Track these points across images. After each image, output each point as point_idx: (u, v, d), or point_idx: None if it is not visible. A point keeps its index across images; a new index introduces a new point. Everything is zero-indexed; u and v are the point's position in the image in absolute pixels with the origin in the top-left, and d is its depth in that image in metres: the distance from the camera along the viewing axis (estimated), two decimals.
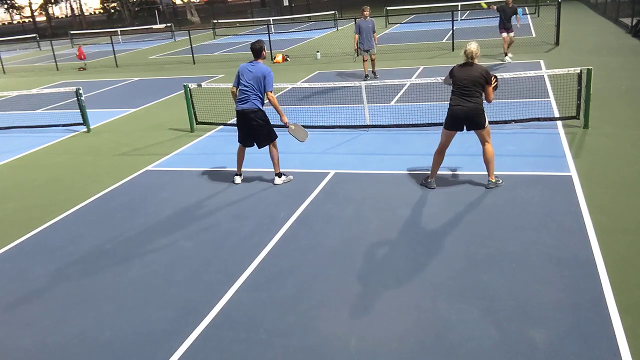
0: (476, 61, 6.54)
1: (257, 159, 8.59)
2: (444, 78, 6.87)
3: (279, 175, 7.48)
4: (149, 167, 8.72)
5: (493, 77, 6.53)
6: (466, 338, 4.06)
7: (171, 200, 7.27)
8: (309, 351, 4.09)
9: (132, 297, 5.04)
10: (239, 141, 7.52)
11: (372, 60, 13.85)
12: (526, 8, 27.54)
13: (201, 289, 5.05)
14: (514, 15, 14.62)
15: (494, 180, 6.72)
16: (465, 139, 8.58)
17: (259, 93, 7.11)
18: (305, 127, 9.91)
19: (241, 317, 4.58)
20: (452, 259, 5.17)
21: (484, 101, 6.54)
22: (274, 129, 7.44)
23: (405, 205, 6.43)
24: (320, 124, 9.94)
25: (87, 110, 11.53)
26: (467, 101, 6.45)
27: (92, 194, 7.75)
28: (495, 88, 6.56)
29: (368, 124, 9.68)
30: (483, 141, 6.68)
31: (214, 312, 4.67)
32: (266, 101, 7.22)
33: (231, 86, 7.43)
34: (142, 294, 5.08)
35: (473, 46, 6.54)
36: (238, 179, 7.66)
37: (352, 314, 4.49)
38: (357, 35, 13.47)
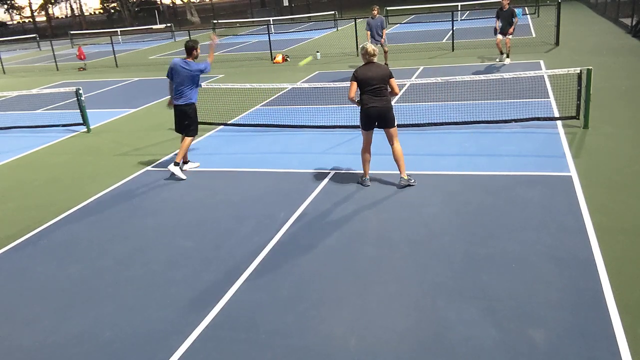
0: (375, 59, 6.71)
1: (258, 159, 8.60)
2: (348, 93, 6.78)
3: (177, 164, 7.99)
4: (149, 167, 8.72)
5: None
6: (466, 338, 4.06)
7: (171, 200, 7.27)
8: (308, 351, 4.09)
9: (132, 297, 5.04)
10: (175, 130, 8.38)
11: (385, 52, 14.97)
12: (526, 8, 27.57)
13: (201, 289, 5.05)
14: (513, 19, 14.43)
15: (406, 178, 6.89)
16: (464, 139, 8.59)
17: (194, 88, 7.96)
18: (305, 127, 9.95)
19: (241, 317, 4.58)
20: (452, 259, 5.17)
21: (393, 95, 6.79)
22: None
23: (405, 205, 6.43)
24: (320, 124, 9.94)
25: (87, 110, 11.54)
26: (380, 100, 6.66)
27: (92, 194, 7.75)
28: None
29: None
30: (392, 140, 6.86)
31: (214, 312, 4.67)
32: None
33: (166, 78, 8.15)
34: (142, 293, 5.08)
35: (371, 46, 6.69)
36: (184, 167, 8.33)
37: (351, 313, 4.49)
38: (368, 32, 14.53)
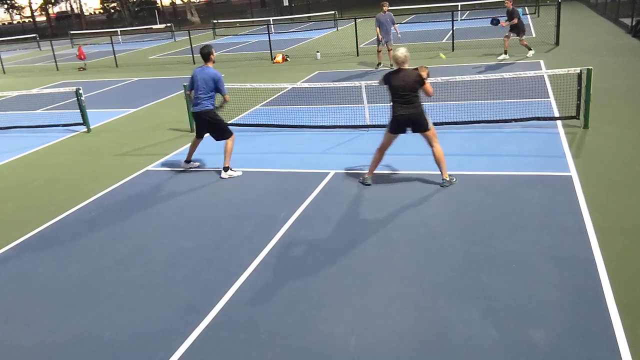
0: (406, 66, 6.68)
1: (258, 159, 8.60)
2: (378, 81, 6.94)
3: (226, 169, 7.90)
4: (149, 167, 8.72)
5: (424, 70, 6.73)
6: (466, 338, 4.06)
7: (171, 200, 7.27)
8: (308, 351, 4.09)
9: (132, 297, 5.04)
10: (196, 135, 8.29)
11: (389, 50, 14.99)
12: (526, 8, 27.56)
13: (201, 289, 5.05)
14: (511, 18, 14.63)
15: (447, 179, 6.86)
16: (464, 139, 8.59)
17: (210, 95, 7.80)
18: (305, 127, 9.95)
19: (241, 317, 4.58)
20: (452, 259, 5.17)
21: (426, 96, 6.74)
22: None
23: (405, 205, 6.43)
24: (320, 124, 9.94)
25: (87, 110, 11.53)
26: (408, 108, 6.64)
27: (92, 194, 7.75)
28: (427, 76, 6.79)
29: (368, 124, 9.68)
30: (430, 143, 6.85)
31: (214, 312, 4.67)
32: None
33: (188, 90, 8.14)
34: (142, 293, 5.08)
35: (402, 51, 6.65)
36: (184, 165, 8.36)
37: (351, 314, 4.49)
38: (378, 28, 14.95)
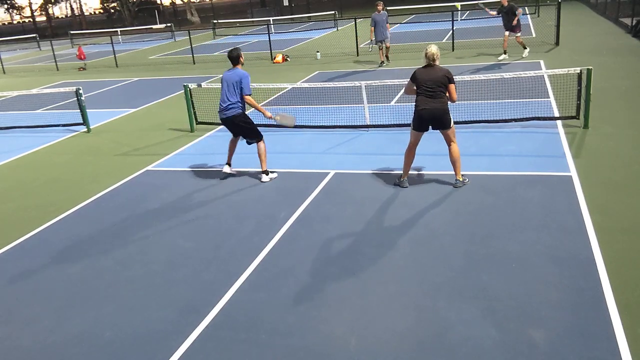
0: (437, 62, 6.66)
1: (256, 159, 8.59)
2: (404, 88, 6.90)
3: (266, 172, 7.71)
4: (149, 167, 8.72)
5: None
6: (466, 338, 4.06)
7: (171, 200, 7.28)
8: (309, 351, 4.09)
9: (132, 297, 5.05)
10: (233, 135, 7.96)
11: (387, 47, 15.66)
12: (526, 8, 27.55)
13: (201, 289, 5.05)
14: (514, 14, 14.64)
15: (461, 179, 6.83)
16: (464, 139, 8.59)
17: (239, 97, 7.48)
18: (305, 127, 9.96)
19: (241, 317, 4.58)
20: (452, 259, 5.17)
21: (449, 102, 6.66)
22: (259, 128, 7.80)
23: (405, 205, 6.43)
24: (320, 124, 9.95)
25: (87, 110, 11.54)
26: (433, 102, 6.57)
27: (92, 194, 7.75)
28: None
29: (368, 124, 9.69)
30: (449, 141, 6.80)
31: (214, 312, 4.67)
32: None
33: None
34: (142, 293, 5.08)
35: (433, 48, 6.63)
36: (227, 169, 7.95)
37: (352, 314, 4.49)
38: (372, 28, 15.18)
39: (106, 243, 6.20)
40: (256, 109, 7.52)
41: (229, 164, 7.96)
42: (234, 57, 7.50)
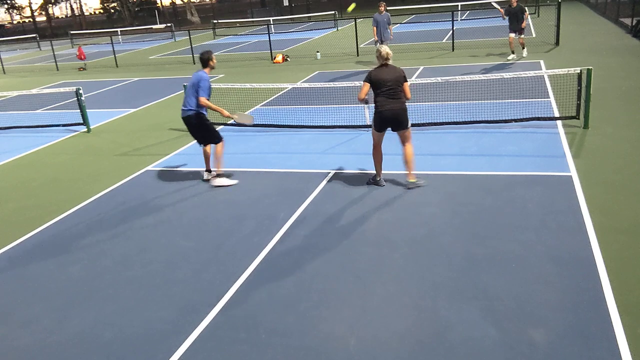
0: (390, 62, 6.66)
1: (258, 159, 8.60)
2: (359, 94, 6.73)
3: (209, 171, 7.82)
4: (149, 167, 8.72)
5: None
6: (466, 338, 4.06)
7: (171, 200, 7.27)
8: (308, 351, 4.09)
9: (132, 297, 5.04)
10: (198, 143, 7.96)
11: None
12: (526, 8, 27.54)
13: (201, 289, 5.05)
14: (522, 15, 14.64)
15: (414, 180, 6.86)
16: (464, 139, 8.59)
17: (195, 99, 7.41)
18: (305, 127, 9.96)
19: (241, 317, 4.58)
20: (452, 259, 5.17)
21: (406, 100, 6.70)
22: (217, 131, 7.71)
23: (405, 205, 6.43)
24: (320, 124, 9.95)
25: (87, 110, 11.54)
26: (394, 102, 6.58)
27: (92, 194, 7.75)
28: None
29: (368, 124, 9.67)
30: (405, 141, 6.82)
31: (214, 312, 4.67)
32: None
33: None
34: (142, 293, 5.08)
35: (387, 48, 6.64)
36: (206, 175, 7.93)
37: (351, 313, 4.49)
38: (375, 28, 15.17)
39: (106, 243, 6.20)
40: (213, 109, 7.50)
41: (207, 170, 7.93)
42: (204, 60, 7.45)
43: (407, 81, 6.67)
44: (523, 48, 15.20)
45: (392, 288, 4.80)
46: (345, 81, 10.71)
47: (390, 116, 6.62)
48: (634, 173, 6.79)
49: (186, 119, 7.54)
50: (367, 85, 6.67)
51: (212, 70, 7.61)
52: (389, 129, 6.78)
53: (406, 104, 6.70)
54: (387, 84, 6.54)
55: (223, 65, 19.54)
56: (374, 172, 7.16)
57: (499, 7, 15.45)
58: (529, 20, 24.17)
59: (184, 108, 7.53)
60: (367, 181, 7.18)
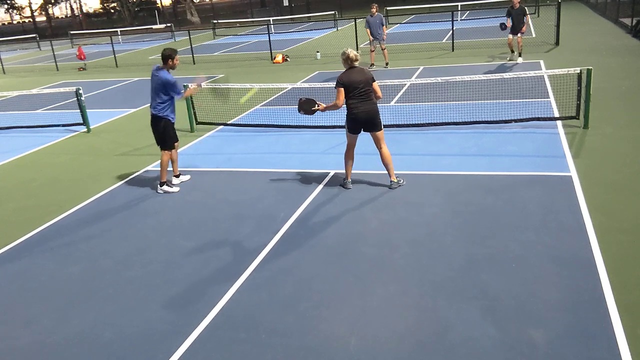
0: (356, 64, 6.65)
1: (258, 159, 8.60)
2: (337, 101, 6.61)
3: (161, 184, 7.54)
4: (149, 167, 8.72)
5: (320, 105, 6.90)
6: (466, 338, 4.06)
7: (171, 200, 7.27)
8: (308, 351, 4.09)
9: (132, 297, 5.04)
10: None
11: (383, 50, 15.44)
12: (526, 8, 27.52)
13: (201, 289, 5.05)
14: (524, 16, 14.51)
15: (396, 180, 6.90)
16: (464, 139, 8.59)
17: (162, 99, 7.27)
18: (305, 127, 9.95)
19: (241, 317, 4.58)
20: (452, 259, 5.17)
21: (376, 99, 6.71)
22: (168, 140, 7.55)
23: (405, 205, 6.43)
24: (320, 124, 9.94)
25: (87, 110, 11.54)
26: (367, 104, 6.61)
27: (92, 194, 7.75)
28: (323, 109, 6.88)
29: None
30: (379, 144, 6.84)
31: (214, 312, 4.67)
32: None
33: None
34: (142, 293, 5.08)
35: (354, 50, 6.65)
36: (175, 180, 7.82)
37: (351, 314, 4.49)
38: (368, 30, 15.20)
39: (106, 243, 6.20)
40: (189, 94, 7.63)
41: (175, 175, 7.83)
42: (165, 56, 7.22)
43: (375, 80, 6.68)
44: (519, 55, 14.79)
45: (392, 288, 4.80)
46: None
47: (364, 118, 6.65)
48: (634, 173, 6.79)
49: (152, 119, 7.42)
50: (342, 90, 6.58)
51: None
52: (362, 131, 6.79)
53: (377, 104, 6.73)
54: (359, 86, 6.55)
55: (223, 65, 19.54)
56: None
57: (508, 24, 14.91)
58: (528, 21, 24.17)
59: (153, 109, 7.36)
60: (340, 183, 7.19)
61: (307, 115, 7.22)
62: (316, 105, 6.97)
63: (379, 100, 6.78)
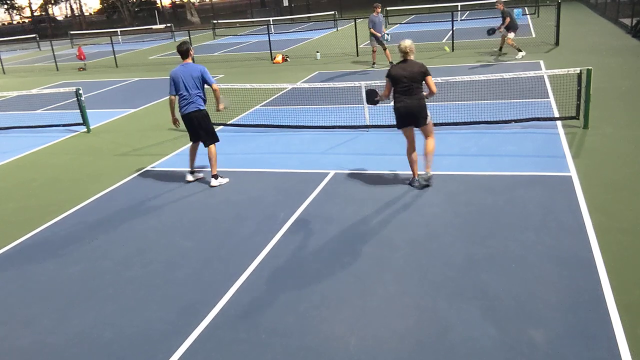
0: (411, 57, 6.61)
1: (258, 159, 8.60)
2: (384, 92, 6.77)
3: (215, 177, 7.61)
4: (149, 167, 8.72)
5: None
6: (466, 338, 4.06)
7: (171, 200, 7.27)
8: (308, 351, 4.09)
9: (132, 297, 5.04)
10: (190, 139, 7.80)
11: (385, 50, 15.54)
12: (526, 8, 27.54)
13: (201, 289, 5.05)
14: (503, 18, 15.09)
15: (427, 173, 6.77)
16: (464, 139, 8.60)
17: (200, 91, 7.43)
18: (305, 127, 9.96)
19: (241, 317, 4.58)
20: (452, 259, 5.17)
21: (430, 94, 6.62)
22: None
23: (405, 205, 6.43)
24: (320, 124, 9.95)
25: (87, 110, 11.54)
26: (408, 99, 6.55)
27: (92, 194, 7.75)
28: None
29: (368, 124, 9.69)
30: (426, 135, 6.80)
31: (214, 312, 4.67)
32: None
33: (169, 95, 7.70)
34: (142, 293, 5.08)
35: (407, 42, 6.58)
36: (190, 177, 7.84)
37: (351, 313, 4.49)
38: (372, 29, 15.33)
39: (106, 243, 6.20)
40: (217, 98, 7.56)
41: (191, 172, 7.86)
42: (184, 51, 7.47)
43: (429, 75, 6.54)
44: (501, 49, 15.22)
45: (393, 288, 4.80)
46: (345, 81, 10.72)
47: (404, 112, 6.60)
48: (634, 173, 6.79)
49: (196, 115, 7.41)
50: (388, 81, 6.65)
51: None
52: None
53: (424, 100, 6.61)
54: (402, 80, 6.51)
55: (223, 65, 19.54)
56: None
57: (502, 30, 15.32)
58: (528, 21, 24.18)
59: (192, 104, 7.36)
60: (407, 182, 7.05)
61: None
62: (377, 96, 7.01)
63: (432, 96, 6.66)
